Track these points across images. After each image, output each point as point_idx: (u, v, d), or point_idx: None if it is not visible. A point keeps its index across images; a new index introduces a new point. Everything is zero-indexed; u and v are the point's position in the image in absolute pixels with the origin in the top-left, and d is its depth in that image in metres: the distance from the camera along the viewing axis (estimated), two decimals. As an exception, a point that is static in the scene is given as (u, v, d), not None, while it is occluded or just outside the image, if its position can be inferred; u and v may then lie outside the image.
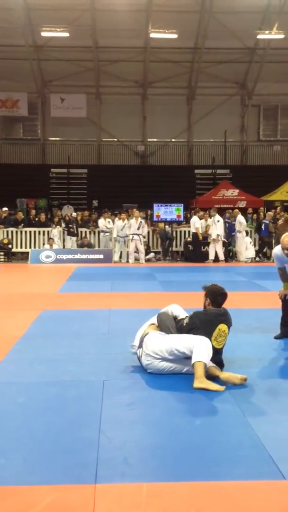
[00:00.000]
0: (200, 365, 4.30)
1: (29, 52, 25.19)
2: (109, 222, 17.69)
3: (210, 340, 4.54)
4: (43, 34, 23.55)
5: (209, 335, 4.57)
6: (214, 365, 4.52)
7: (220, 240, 16.46)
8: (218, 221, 16.61)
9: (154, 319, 5.10)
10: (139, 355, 4.81)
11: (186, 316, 4.94)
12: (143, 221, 16.84)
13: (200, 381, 4.25)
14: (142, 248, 16.60)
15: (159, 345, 4.62)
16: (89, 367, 4.88)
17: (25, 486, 2.77)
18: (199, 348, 4.37)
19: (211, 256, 16.45)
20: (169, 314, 5.06)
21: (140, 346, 4.78)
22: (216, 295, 4.91)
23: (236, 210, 18.06)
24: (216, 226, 16.44)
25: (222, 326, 4.68)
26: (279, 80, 27.30)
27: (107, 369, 4.80)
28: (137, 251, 16.61)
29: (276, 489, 2.76)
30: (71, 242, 17.91)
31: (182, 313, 5.11)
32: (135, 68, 26.93)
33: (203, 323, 4.69)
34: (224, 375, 4.42)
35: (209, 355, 4.40)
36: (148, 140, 29.21)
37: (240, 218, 17.05)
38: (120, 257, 17.24)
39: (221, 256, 16.48)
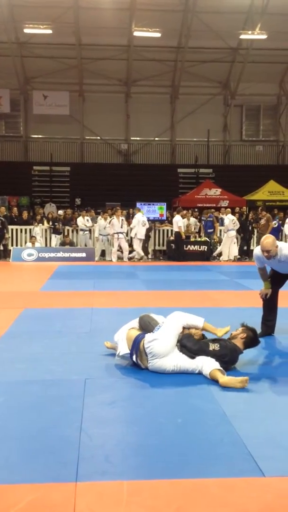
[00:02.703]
0: (216, 371, 4.40)
1: (12, 48, 25.01)
2: (87, 220, 17.66)
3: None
4: (26, 30, 23.42)
5: (228, 364, 4.68)
6: (220, 368, 4.54)
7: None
8: (233, 220, 16.83)
9: (130, 325, 5.03)
10: (136, 361, 4.72)
11: (214, 340, 4.88)
12: (140, 220, 16.77)
13: (224, 382, 4.32)
14: (126, 246, 16.60)
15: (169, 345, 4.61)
16: (70, 366, 4.87)
17: (5, 485, 2.76)
18: (208, 361, 4.52)
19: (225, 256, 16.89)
20: (152, 317, 5.03)
21: (136, 353, 4.68)
22: (254, 343, 4.99)
23: (227, 210, 18.19)
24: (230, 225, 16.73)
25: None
26: (261, 81, 27.57)
27: (89, 368, 4.80)
28: (120, 249, 16.61)
29: (256, 486, 2.79)
30: (56, 240, 17.85)
31: (160, 318, 5.04)
32: (118, 67, 26.93)
33: (231, 353, 4.73)
34: (223, 380, 4.35)
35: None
36: (131, 138, 29.22)
37: (226, 218, 17.15)
38: (102, 255, 17.22)
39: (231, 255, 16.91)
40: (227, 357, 4.68)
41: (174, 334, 4.68)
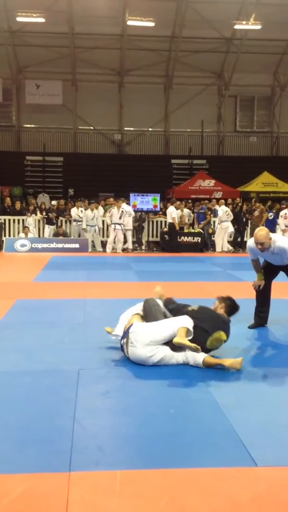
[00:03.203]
0: (183, 329, 4.42)
1: (4, 37, 24.76)
2: (81, 211, 17.60)
3: (206, 340, 4.63)
4: (19, 19, 23.16)
5: (209, 332, 4.65)
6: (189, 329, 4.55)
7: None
8: (227, 211, 16.82)
9: (136, 308, 5.05)
10: (122, 345, 4.74)
11: (192, 305, 4.95)
12: (125, 210, 16.72)
13: (181, 337, 4.36)
14: (121, 237, 16.55)
15: (150, 335, 4.57)
16: (63, 357, 4.87)
17: (-2, 475, 2.77)
18: (181, 321, 4.51)
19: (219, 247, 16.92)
20: (156, 301, 5.05)
21: (124, 337, 4.71)
22: (232, 307, 5.05)
23: (221, 201, 18.13)
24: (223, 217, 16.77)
25: (223, 335, 4.76)
26: (255, 71, 27.48)
27: (82, 359, 4.80)
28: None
29: (248, 475, 2.81)
30: (49, 230, 17.79)
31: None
32: (112, 56, 26.74)
33: (211, 319, 4.74)
34: (227, 362, 4.48)
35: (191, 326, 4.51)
36: (125, 129, 29.09)
37: (219, 209, 17.13)
38: (93, 246, 17.20)
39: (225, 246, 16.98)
40: (207, 323, 4.67)
41: (163, 332, 4.55)
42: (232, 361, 4.48)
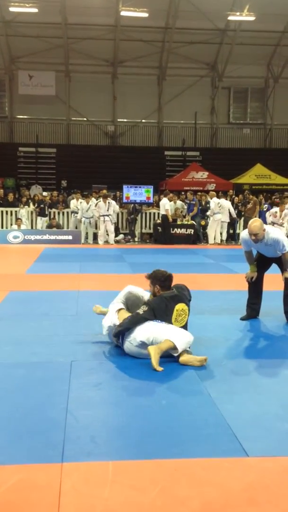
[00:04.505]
0: (167, 342, 4.36)
1: (-3, 27, 24.56)
2: (80, 202, 17.56)
3: (171, 322, 4.63)
4: (11, 9, 22.98)
5: (168, 320, 4.65)
6: (188, 350, 4.55)
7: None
8: (219, 203, 16.83)
9: (117, 305, 5.03)
10: (120, 344, 4.73)
11: (143, 304, 4.86)
12: (111, 201, 16.77)
13: (154, 349, 4.32)
14: (112, 228, 16.57)
15: (149, 335, 4.54)
16: (56, 349, 4.88)
17: (-9, 466, 2.78)
18: (179, 333, 4.50)
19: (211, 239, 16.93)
20: (137, 294, 5.07)
21: (122, 335, 4.68)
22: (164, 280, 4.91)
23: (212, 193, 18.08)
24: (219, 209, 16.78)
25: (179, 306, 4.75)
26: (249, 63, 27.40)
27: (75, 350, 4.81)
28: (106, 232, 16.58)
29: (239, 466, 2.84)
30: (41, 222, 17.74)
31: (141, 292, 5.14)
32: (105, 47, 26.58)
33: (160, 311, 4.69)
34: (183, 358, 4.43)
35: (187, 342, 4.48)
36: (118, 120, 28.98)
37: (211, 201, 17.10)
38: (86, 238, 17.18)
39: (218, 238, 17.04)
40: (154, 311, 4.65)
41: (160, 337, 4.49)
42: (187, 358, 4.44)
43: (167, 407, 3.58)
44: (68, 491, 2.55)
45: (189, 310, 4.86)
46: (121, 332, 4.63)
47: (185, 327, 4.78)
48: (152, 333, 4.50)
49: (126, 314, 4.80)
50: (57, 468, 2.75)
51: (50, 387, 3.92)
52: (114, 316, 4.89)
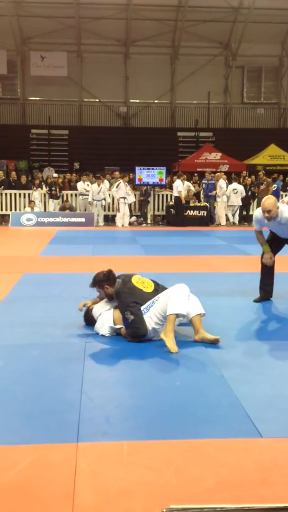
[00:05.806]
0: (169, 319, 4.36)
1: (8, 8, 24.34)
2: (88, 185, 17.53)
3: (146, 293, 4.61)
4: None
5: (144, 295, 4.61)
6: (200, 314, 4.53)
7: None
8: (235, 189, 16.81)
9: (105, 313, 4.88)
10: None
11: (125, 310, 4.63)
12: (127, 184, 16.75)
13: (165, 334, 4.33)
14: (128, 211, 16.58)
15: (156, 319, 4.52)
16: (70, 330, 4.91)
17: (7, 446, 2.82)
18: (172, 299, 4.41)
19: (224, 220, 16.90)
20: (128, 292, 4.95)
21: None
22: (108, 277, 4.84)
23: (219, 173, 17.87)
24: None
25: (134, 278, 4.75)
26: (263, 41, 26.95)
27: (88, 332, 4.84)
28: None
29: (253, 447, 2.85)
30: (53, 205, 17.77)
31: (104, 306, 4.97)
32: (117, 26, 26.27)
33: (135, 297, 4.58)
34: (198, 335, 4.50)
35: (183, 303, 4.40)
36: (131, 101, 28.76)
37: (221, 182, 16.97)
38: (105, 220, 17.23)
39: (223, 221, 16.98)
40: (135, 298, 4.56)
41: (163, 310, 4.47)
42: (203, 336, 4.47)
43: (180, 388, 3.60)
44: (83, 470, 2.58)
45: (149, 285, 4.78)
46: (144, 335, 4.55)
47: (162, 288, 4.71)
48: (156, 311, 4.48)
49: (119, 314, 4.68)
50: (72, 447, 2.79)
51: (64, 368, 3.95)
52: (109, 316, 4.78)
